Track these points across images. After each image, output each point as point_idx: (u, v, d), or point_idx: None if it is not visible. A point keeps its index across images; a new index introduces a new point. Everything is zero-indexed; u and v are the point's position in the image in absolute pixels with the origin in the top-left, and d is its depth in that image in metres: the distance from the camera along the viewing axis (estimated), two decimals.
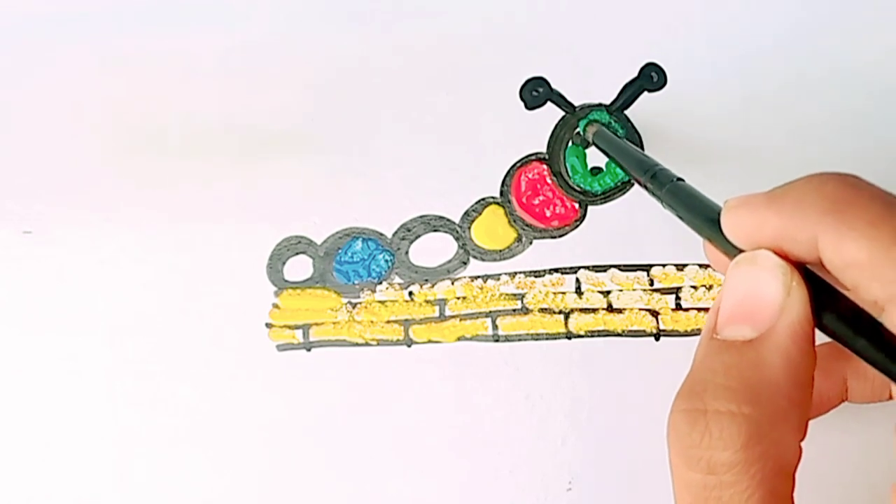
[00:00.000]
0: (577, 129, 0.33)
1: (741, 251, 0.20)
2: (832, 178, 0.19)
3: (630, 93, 0.33)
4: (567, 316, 0.33)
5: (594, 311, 0.33)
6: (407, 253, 0.34)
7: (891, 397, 0.27)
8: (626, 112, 0.33)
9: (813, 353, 0.19)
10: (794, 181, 0.20)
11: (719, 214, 0.21)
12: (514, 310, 0.33)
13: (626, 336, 0.33)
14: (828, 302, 0.19)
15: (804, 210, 0.19)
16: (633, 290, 0.33)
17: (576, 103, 0.33)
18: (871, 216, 0.18)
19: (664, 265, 0.33)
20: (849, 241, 0.18)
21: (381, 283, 0.34)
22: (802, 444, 0.19)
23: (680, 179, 0.25)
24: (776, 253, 0.19)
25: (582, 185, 0.33)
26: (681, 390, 0.20)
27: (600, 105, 0.33)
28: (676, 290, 0.33)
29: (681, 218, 0.24)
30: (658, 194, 0.25)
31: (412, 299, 0.34)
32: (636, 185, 0.32)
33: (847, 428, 0.30)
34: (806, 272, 0.19)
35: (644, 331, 0.33)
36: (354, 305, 0.34)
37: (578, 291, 0.33)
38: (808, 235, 0.19)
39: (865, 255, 0.17)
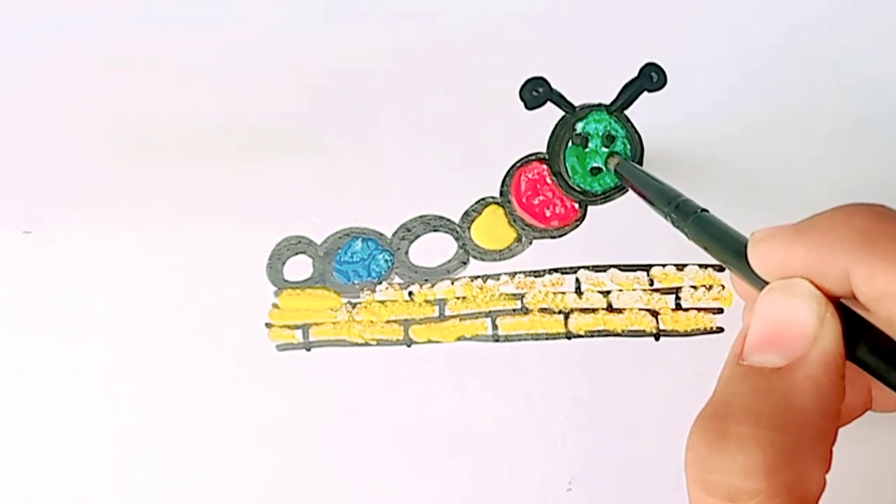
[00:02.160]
0: (577, 131, 0.33)
1: (767, 283, 0.20)
2: (861, 210, 0.19)
3: (630, 93, 0.33)
4: (567, 316, 0.33)
5: (594, 311, 0.33)
6: (407, 253, 0.34)
7: None
8: (626, 112, 0.33)
9: (842, 386, 0.19)
10: (821, 213, 0.19)
11: (745, 246, 0.21)
12: (514, 310, 0.33)
13: (626, 336, 0.33)
14: (862, 335, 0.19)
15: (834, 243, 0.18)
16: (633, 290, 0.33)
17: (576, 103, 0.33)
18: None
19: (664, 265, 0.33)
20: (881, 273, 0.17)
21: (380, 283, 0.34)
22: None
23: (704, 210, 0.25)
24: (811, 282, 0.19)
25: (582, 185, 0.33)
26: (702, 412, 0.19)
27: (600, 105, 0.33)
28: (676, 290, 0.33)
29: (706, 249, 0.24)
30: (682, 226, 0.25)
31: (412, 299, 0.34)
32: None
33: (857, 435, 0.30)
34: (839, 305, 0.19)
35: (644, 331, 0.33)
36: (354, 305, 0.34)
37: (578, 291, 0.33)
38: (838, 269, 0.18)
39: None
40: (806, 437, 0.18)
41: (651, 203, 0.28)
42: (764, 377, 0.19)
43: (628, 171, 0.31)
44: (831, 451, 0.19)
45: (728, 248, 0.22)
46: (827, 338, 0.19)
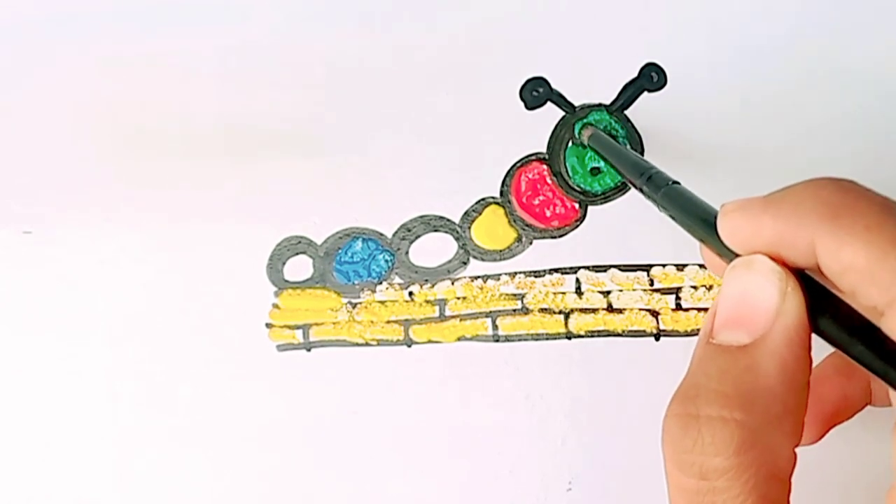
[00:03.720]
0: (576, 132, 0.33)
1: (738, 255, 0.20)
2: (829, 183, 0.19)
3: (630, 93, 0.33)
4: (567, 316, 0.33)
5: (594, 311, 0.33)
6: (407, 253, 0.34)
7: None
8: (626, 112, 0.33)
9: (808, 359, 0.19)
10: (790, 186, 0.20)
11: (716, 218, 0.21)
12: (514, 310, 0.33)
13: (626, 336, 0.33)
14: (825, 307, 0.19)
15: (801, 215, 0.19)
16: (633, 290, 0.33)
17: (576, 103, 0.33)
18: (868, 221, 0.18)
19: (664, 265, 0.33)
20: (846, 247, 0.18)
21: (381, 283, 0.34)
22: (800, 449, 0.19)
23: (676, 182, 0.25)
24: (773, 258, 0.19)
25: (582, 185, 0.33)
26: (675, 394, 0.20)
27: (600, 105, 0.33)
28: (676, 291, 0.33)
29: (676, 221, 0.24)
30: (654, 197, 0.25)
31: (412, 299, 0.34)
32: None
33: (844, 429, 0.30)
34: (803, 277, 0.19)
35: (644, 331, 0.33)
36: (354, 305, 0.34)
37: (578, 291, 0.33)
38: (805, 241, 0.18)
39: (863, 260, 0.17)
40: (772, 413, 0.18)
41: (623, 176, 0.28)
42: (731, 356, 0.19)
43: (602, 144, 0.31)
44: (801, 426, 0.19)
45: (698, 220, 0.22)
46: (789, 312, 0.19)
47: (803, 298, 0.19)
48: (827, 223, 0.18)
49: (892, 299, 0.17)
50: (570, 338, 0.33)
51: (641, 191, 0.26)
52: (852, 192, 0.18)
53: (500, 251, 0.34)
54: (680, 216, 0.24)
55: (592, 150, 0.31)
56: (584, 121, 0.32)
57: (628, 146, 0.33)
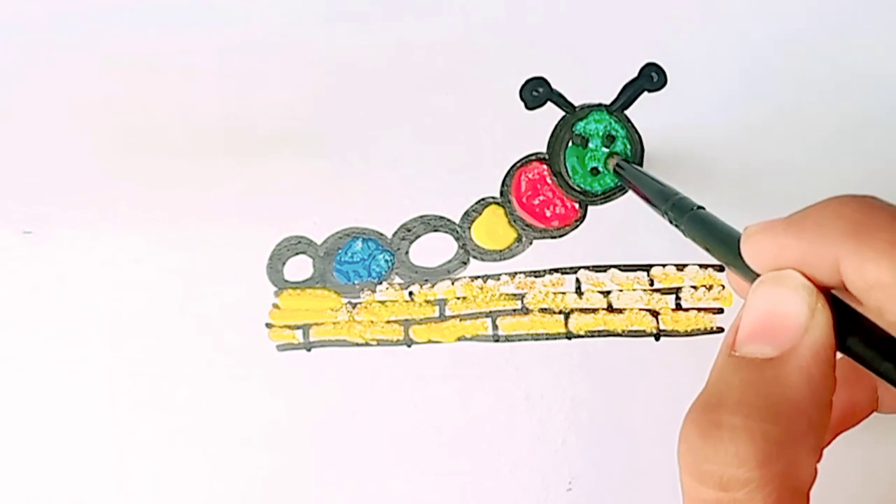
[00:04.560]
0: (576, 132, 0.33)
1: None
2: (851, 201, 0.19)
3: (630, 93, 0.33)
4: (567, 316, 0.33)
5: (594, 311, 0.33)
6: (407, 253, 0.34)
7: None
8: (626, 112, 0.33)
9: (833, 377, 0.19)
10: (812, 206, 0.20)
11: (739, 241, 0.21)
12: (514, 310, 0.33)
13: (626, 336, 0.33)
14: (852, 325, 0.19)
15: (824, 234, 0.18)
16: (633, 290, 0.33)
17: (576, 103, 0.33)
18: (892, 237, 0.17)
19: (664, 265, 0.33)
20: (871, 263, 0.17)
21: (381, 283, 0.34)
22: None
23: (700, 208, 0.25)
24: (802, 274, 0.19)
25: (582, 185, 0.33)
26: (694, 404, 0.19)
27: (600, 105, 0.33)
28: (676, 291, 0.33)
29: (701, 245, 0.24)
30: (679, 223, 0.25)
31: (412, 299, 0.34)
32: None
33: (854, 439, 0.30)
34: (829, 296, 0.19)
35: (644, 331, 0.33)
36: (354, 305, 0.34)
37: (578, 291, 0.33)
38: (829, 259, 0.18)
39: (888, 277, 0.17)
40: (798, 427, 0.18)
41: (649, 202, 0.28)
42: (756, 368, 0.19)
43: (628, 171, 0.31)
44: (823, 443, 0.19)
45: (723, 244, 0.22)
46: (818, 328, 0.19)
47: (831, 316, 0.19)
48: (851, 241, 0.18)
49: None
50: (570, 338, 0.33)
51: (666, 216, 0.26)
52: (875, 209, 0.18)
53: (500, 251, 0.34)
54: (704, 241, 0.24)
55: (618, 177, 0.32)
56: (611, 149, 0.33)
57: (628, 146, 0.33)
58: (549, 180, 0.33)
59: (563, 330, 0.33)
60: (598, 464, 0.33)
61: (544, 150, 0.33)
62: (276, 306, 0.34)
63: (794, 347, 0.19)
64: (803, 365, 0.18)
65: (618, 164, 0.32)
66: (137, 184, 0.34)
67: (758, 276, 0.20)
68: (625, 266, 0.33)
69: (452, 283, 0.34)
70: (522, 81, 0.33)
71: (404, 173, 0.33)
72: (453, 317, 0.34)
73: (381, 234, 0.34)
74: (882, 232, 0.18)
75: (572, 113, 0.33)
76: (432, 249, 0.34)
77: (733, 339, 0.20)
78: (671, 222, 0.26)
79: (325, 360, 0.34)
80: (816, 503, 0.19)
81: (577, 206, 0.33)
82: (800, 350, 0.18)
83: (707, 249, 0.23)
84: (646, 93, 0.33)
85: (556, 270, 0.33)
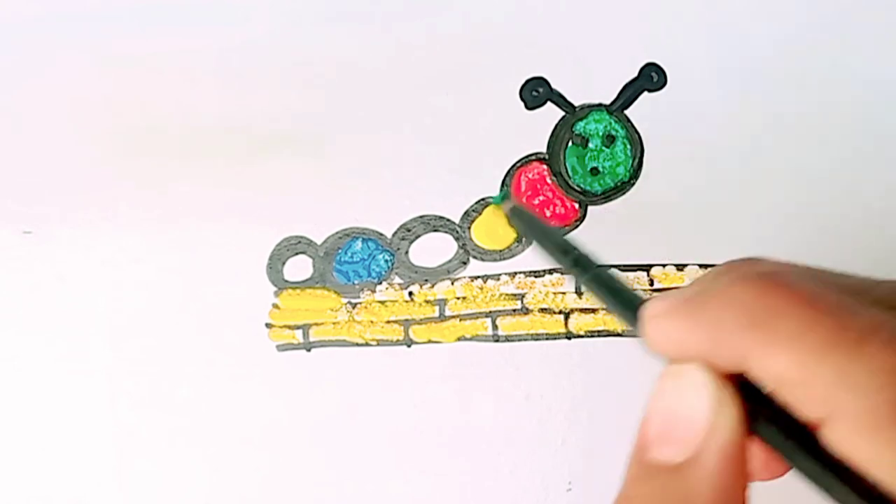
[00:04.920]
0: (576, 132, 0.33)
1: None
2: (751, 286, 0.17)
3: (630, 93, 0.33)
4: (567, 316, 0.33)
5: (594, 311, 0.33)
6: (407, 253, 0.34)
7: None
8: (626, 112, 0.33)
9: (745, 474, 0.18)
10: (712, 286, 0.18)
11: (638, 309, 0.20)
12: (514, 310, 0.33)
13: (626, 336, 0.33)
14: (766, 414, 0.17)
15: (726, 324, 0.17)
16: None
17: (576, 103, 0.33)
18: (794, 326, 0.16)
19: (664, 265, 0.33)
20: (774, 359, 0.16)
21: (381, 283, 0.34)
22: None
23: (602, 266, 0.24)
24: (706, 365, 0.18)
25: (582, 185, 0.33)
26: None
27: (600, 105, 0.33)
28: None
29: (601, 302, 0.23)
30: (579, 280, 0.25)
31: (412, 299, 0.34)
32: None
33: None
34: (741, 383, 0.18)
35: None
36: (354, 305, 0.34)
37: (578, 291, 0.33)
38: (734, 351, 0.17)
39: (794, 373, 0.16)
40: None
41: (548, 253, 0.27)
42: (663, 475, 0.18)
43: (524, 219, 0.30)
44: None
45: (625, 307, 0.21)
46: (723, 428, 0.17)
47: (738, 411, 0.17)
48: (752, 333, 0.17)
49: (829, 412, 0.16)
50: (570, 338, 0.33)
51: (567, 271, 0.25)
52: (776, 292, 0.17)
53: (500, 251, 0.34)
54: (605, 301, 0.23)
55: (514, 225, 0.31)
56: (504, 193, 0.32)
57: (628, 146, 0.33)
58: (549, 180, 0.33)
59: (562, 330, 0.33)
60: (598, 464, 0.33)
61: (544, 150, 0.33)
62: (276, 306, 0.34)
63: (700, 452, 0.17)
64: (709, 470, 0.17)
65: (513, 210, 0.31)
66: (137, 184, 0.34)
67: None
68: (625, 266, 0.33)
69: (452, 283, 0.34)
70: (522, 81, 0.33)
71: (404, 173, 0.33)
72: (453, 317, 0.34)
73: (381, 234, 0.34)
74: (784, 320, 0.16)
75: (572, 113, 0.33)
76: (432, 249, 0.34)
77: (643, 442, 0.19)
78: (571, 275, 0.25)
79: (325, 360, 0.34)
80: None
81: (577, 206, 0.33)
82: (705, 454, 0.17)
83: (609, 310, 0.23)
84: (646, 93, 0.33)
85: (556, 270, 0.33)
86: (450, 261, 0.34)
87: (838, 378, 0.15)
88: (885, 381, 0.15)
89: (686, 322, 0.18)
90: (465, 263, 0.34)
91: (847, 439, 0.16)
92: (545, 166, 0.33)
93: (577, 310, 0.33)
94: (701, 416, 0.18)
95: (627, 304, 0.21)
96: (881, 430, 0.15)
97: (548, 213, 0.33)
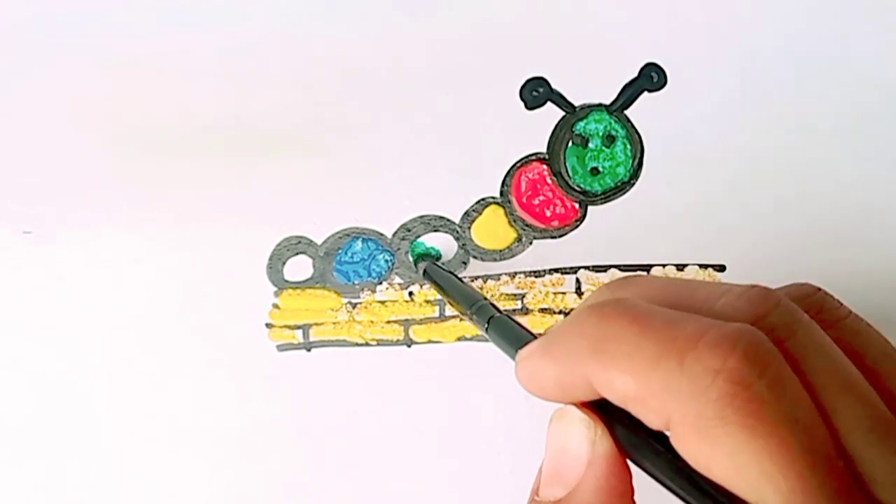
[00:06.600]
0: (576, 132, 0.33)
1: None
2: (592, 315, 0.18)
3: (630, 93, 0.33)
4: (567, 316, 0.33)
5: None
6: (407, 253, 0.34)
7: None
8: (626, 112, 0.33)
9: (625, 496, 0.19)
10: (561, 323, 0.19)
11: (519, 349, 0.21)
12: (515, 310, 0.33)
13: None
14: (635, 439, 0.18)
15: (572, 355, 0.18)
16: None
17: (576, 103, 0.33)
18: (626, 347, 0.17)
19: (664, 265, 0.33)
20: (613, 381, 0.17)
21: (381, 283, 0.34)
22: None
23: (501, 313, 0.26)
24: (583, 403, 0.19)
25: (582, 185, 0.33)
26: None
27: (600, 105, 0.33)
28: None
29: (499, 348, 0.24)
30: (483, 327, 0.26)
31: (412, 299, 0.34)
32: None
33: None
34: (621, 414, 0.19)
35: None
36: (354, 305, 0.34)
37: (578, 291, 0.33)
38: (582, 379, 0.18)
39: (631, 390, 0.17)
40: None
41: (456, 306, 0.29)
42: None
43: (437, 274, 0.31)
44: None
45: (513, 352, 0.22)
46: (598, 460, 0.18)
47: (611, 442, 0.18)
48: (594, 359, 0.18)
49: (666, 420, 0.17)
50: None
51: (471, 319, 0.27)
52: (613, 319, 0.18)
53: (500, 251, 0.34)
54: (501, 346, 0.24)
55: (428, 280, 0.32)
56: (418, 253, 0.33)
57: (628, 146, 0.33)
58: (549, 180, 0.33)
59: None
60: None
61: (544, 150, 0.33)
62: (276, 306, 0.34)
63: (578, 485, 0.18)
64: (586, 499, 0.18)
65: (428, 267, 0.32)
66: (137, 184, 0.34)
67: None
68: (625, 266, 0.33)
69: None
70: (522, 81, 0.33)
71: (404, 173, 0.33)
72: (453, 317, 0.34)
73: (381, 234, 0.34)
74: (618, 343, 0.17)
75: (572, 113, 0.33)
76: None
77: (538, 485, 0.20)
78: (476, 324, 0.27)
79: (325, 360, 0.34)
80: None
81: (577, 206, 0.33)
82: (582, 487, 0.18)
83: (507, 354, 0.23)
84: (646, 93, 0.33)
85: (556, 270, 0.33)
86: (450, 261, 0.34)
87: (666, 388, 0.16)
88: (708, 383, 0.16)
89: (542, 360, 0.19)
90: (465, 263, 0.34)
91: (685, 445, 0.16)
92: (545, 166, 0.33)
93: None
94: (579, 451, 0.19)
95: (515, 347, 0.22)
96: (709, 429, 0.16)
97: (548, 213, 0.33)
